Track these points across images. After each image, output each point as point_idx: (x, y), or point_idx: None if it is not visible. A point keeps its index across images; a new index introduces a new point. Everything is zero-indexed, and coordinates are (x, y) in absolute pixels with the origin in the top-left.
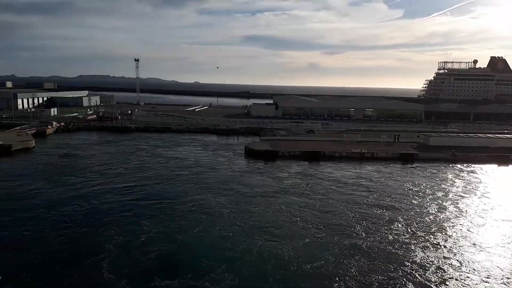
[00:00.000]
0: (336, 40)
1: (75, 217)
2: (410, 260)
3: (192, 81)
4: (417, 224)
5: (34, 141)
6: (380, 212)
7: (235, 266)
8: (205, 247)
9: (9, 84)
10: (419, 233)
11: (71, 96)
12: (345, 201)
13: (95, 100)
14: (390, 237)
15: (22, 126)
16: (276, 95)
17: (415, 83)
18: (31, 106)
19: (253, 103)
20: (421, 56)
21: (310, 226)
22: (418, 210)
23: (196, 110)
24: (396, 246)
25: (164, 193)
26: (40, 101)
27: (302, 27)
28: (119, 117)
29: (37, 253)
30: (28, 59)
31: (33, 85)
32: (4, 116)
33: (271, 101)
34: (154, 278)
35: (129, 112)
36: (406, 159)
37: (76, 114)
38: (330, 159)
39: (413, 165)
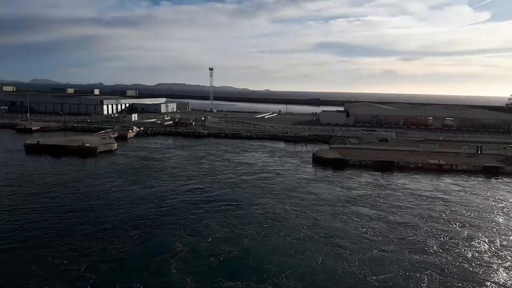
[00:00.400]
0: (413, 46)
1: (149, 215)
2: (491, 280)
3: (263, 89)
4: (501, 243)
5: (116, 144)
6: (458, 228)
7: (299, 273)
8: (269, 251)
9: (96, 91)
10: (503, 253)
11: (151, 103)
12: (420, 215)
13: (172, 107)
14: (469, 255)
15: (106, 130)
16: (347, 102)
17: (503, 91)
18: (115, 112)
19: (322, 110)
20: (509, 62)
21: (379, 238)
22: (503, 228)
23: (265, 117)
24: (475, 265)
25: (232, 196)
26: (123, 107)
27: (376, 33)
28: (193, 123)
29: (113, 247)
30: (114, 69)
31: (117, 92)
32: (88, 120)
33: (342, 109)
34: (219, 278)
35: (203, 118)
36: (490, 172)
37: (154, 119)
38: (404, 170)
39: (498, 179)
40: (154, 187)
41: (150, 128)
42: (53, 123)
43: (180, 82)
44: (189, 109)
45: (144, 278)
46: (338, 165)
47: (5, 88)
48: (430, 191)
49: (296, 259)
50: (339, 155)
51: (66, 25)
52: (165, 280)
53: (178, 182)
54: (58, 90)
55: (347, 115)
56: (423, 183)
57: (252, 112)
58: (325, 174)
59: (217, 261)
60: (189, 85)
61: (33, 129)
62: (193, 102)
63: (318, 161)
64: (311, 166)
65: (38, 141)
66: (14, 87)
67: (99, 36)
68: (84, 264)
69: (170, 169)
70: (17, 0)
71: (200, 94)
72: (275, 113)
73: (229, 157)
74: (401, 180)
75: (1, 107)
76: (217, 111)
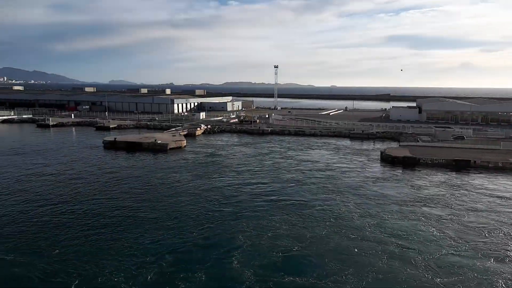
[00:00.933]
0: (494, 36)
1: (213, 208)
2: None
3: (329, 85)
4: None
5: (185, 141)
6: None
7: (361, 272)
8: (331, 249)
9: (168, 91)
10: None
11: (217, 101)
12: (498, 218)
13: (238, 105)
14: None
15: (176, 128)
16: (419, 97)
17: None
18: (184, 110)
19: (392, 106)
20: None
21: (450, 240)
22: None
23: (331, 113)
24: None
25: (294, 193)
26: (192, 106)
27: (453, 24)
28: (258, 120)
29: (179, 237)
30: (184, 69)
31: (187, 92)
32: (156, 119)
33: (414, 104)
34: (280, 272)
35: (267, 116)
36: None
37: (221, 117)
38: (482, 169)
39: None
40: (219, 182)
41: (217, 126)
42: (128, 121)
43: (246, 81)
44: (254, 107)
45: (206, 268)
46: (408, 163)
47: (87, 89)
48: (511, 192)
49: (359, 257)
50: (409, 153)
51: (140, 29)
52: (225, 271)
53: (242, 178)
54: (133, 90)
55: (419, 111)
56: (503, 184)
57: (316, 109)
58: (394, 172)
59: (277, 256)
60: (254, 83)
61: (110, 127)
62: (257, 100)
63: (386, 159)
64: (378, 164)
65: (115, 138)
66: (95, 88)
67: (171, 38)
68: (151, 253)
69: (235, 165)
70: (97, 8)
71: (265, 91)
72: (341, 109)
73: (292, 154)
74: (478, 180)
75: (83, 107)
76: (281, 108)
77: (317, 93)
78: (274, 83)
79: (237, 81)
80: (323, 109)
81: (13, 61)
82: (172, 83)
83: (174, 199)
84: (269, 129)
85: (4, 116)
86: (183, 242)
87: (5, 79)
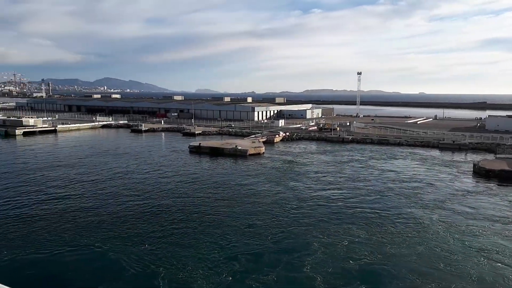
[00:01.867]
0: None
1: (289, 215)
2: None
3: (417, 92)
4: None
5: (264, 147)
6: None
7: (448, 286)
8: (412, 261)
9: (249, 99)
10: None
11: (297, 109)
12: None
13: (317, 112)
14: None
15: (256, 135)
16: None
17: None
18: (264, 118)
19: (489, 115)
20: None
21: None
22: None
23: (418, 122)
24: None
25: (374, 204)
26: (272, 113)
27: None
28: (338, 128)
29: (253, 241)
30: (265, 78)
31: (268, 100)
32: (232, 125)
33: None
34: (353, 281)
35: (348, 123)
36: None
37: (299, 125)
38: None
39: None
40: (296, 189)
41: (295, 133)
42: (212, 128)
43: (327, 88)
44: (334, 114)
45: (277, 271)
46: (506, 177)
47: (175, 98)
48: None
49: (444, 272)
50: (507, 166)
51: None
52: (296, 275)
53: (319, 185)
54: (217, 98)
55: None
56: None
57: (402, 117)
58: (488, 186)
59: (352, 264)
60: (336, 90)
61: (196, 133)
62: (338, 108)
63: (480, 172)
64: (470, 177)
65: (200, 144)
66: (183, 97)
67: (253, 48)
68: (226, 253)
69: (313, 173)
70: (186, 21)
71: (346, 99)
72: (430, 118)
73: (374, 163)
74: None
75: (172, 114)
76: (363, 116)
77: (403, 100)
78: (356, 90)
79: (318, 88)
80: (410, 117)
81: (112, 71)
82: (253, 91)
83: (251, 203)
84: (350, 137)
85: (104, 121)
86: (257, 244)
87: (105, 88)
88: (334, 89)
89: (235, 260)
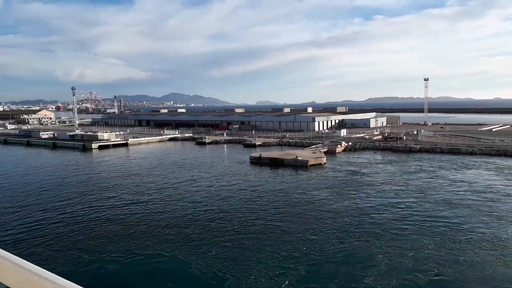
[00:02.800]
0: None
1: (351, 226)
2: None
3: (491, 97)
4: None
5: (325, 158)
6: None
7: None
8: (487, 277)
9: (309, 109)
10: None
11: (360, 118)
12: None
13: (382, 121)
14: None
15: (316, 145)
16: None
17: None
18: (325, 128)
19: None
20: None
21: None
22: None
23: (493, 129)
24: None
25: (444, 215)
26: (333, 123)
27: None
28: (404, 137)
29: (314, 252)
30: (325, 87)
31: (328, 109)
32: (287, 135)
33: None
34: None
35: (415, 132)
36: None
37: (363, 134)
38: None
39: None
40: (360, 200)
41: (358, 143)
42: (272, 139)
43: (391, 96)
44: (400, 123)
45: (337, 282)
46: None
47: (237, 110)
48: None
49: None
50: None
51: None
52: (357, 286)
53: (384, 196)
54: (276, 109)
55: None
56: None
57: (475, 125)
58: None
59: (419, 277)
60: (401, 98)
61: (256, 144)
62: (404, 116)
63: None
64: None
65: (260, 154)
66: (243, 109)
67: (313, 57)
68: (288, 262)
69: (377, 184)
70: (247, 35)
71: (413, 106)
72: (508, 125)
73: (444, 173)
74: None
75: (234, 126)
76: (432, 124)
77: (475, 106)
78: (423, 97)
79: (382, 96)
80: (484, 124)
81: (177, 87)
82: (313, 101)
83: (312, 214)
84: (418, 146)
85: (171, 134)
86: (318, 255)
87: (171, 103)
88: (399, 97)
89: (295, 270)
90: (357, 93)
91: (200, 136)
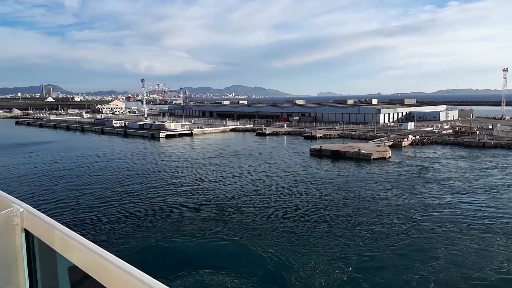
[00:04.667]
0: None
1: (415, 225)
2: None
3: None
4: None
5: (390, 151)
6: None
7: None
8: None
9: (374, 101)
10: None
11: (429, 110)
12: None
13: (453, 114)
14: None
15: (381, 138)
16: None
17: None
18: (391, 120)
19: None
20: None
21: None
22: None
23: None
24: None
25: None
26: (400, 116)
27: None
28: (477, 131)
29: (371, 245)
30: (392, 78)
31: (395, 101)
32: (342, 127)
33: None
34: None
35: (490, 127)
36: None
37: (431, 128)
38: None
39: None
40: (426, 197)
41: (427, 137)
42: (334, 131)
43: (465, 87)
44: (473, 117)
45: (388, 274)
46: None
47: (297, 102)
48: None
49: None
50: None
51: (350, 41)
52: (412, 278)
53: (452, 193)
54: (339, 101)
55: None
56: None
57: None
58: None
59: (484, 273)
60: (476, 90)
61: (317, 136)
62: (479, 109)
63: None
64: None
65: (321, 147)
66: (304, 101)
67: (380, 47)
68: (339, 253)
69: (445, 180)
70: (310, 25)
71: (489, 99)
72: None
73: None
74: None
75: (294, 118)
76: (510, 118)
77: None
78: (501, 89)
79: (454, 88)
80: None
81: (239, 78)
82: (379, 92)
83: (374, 209)
84: (492, 141)
85: (232, 125)
86: (375, 248)
87: (233, 95)
88: (474, 88)
89: (352, 261)
90: (427, 84)
91: (260, 127)
